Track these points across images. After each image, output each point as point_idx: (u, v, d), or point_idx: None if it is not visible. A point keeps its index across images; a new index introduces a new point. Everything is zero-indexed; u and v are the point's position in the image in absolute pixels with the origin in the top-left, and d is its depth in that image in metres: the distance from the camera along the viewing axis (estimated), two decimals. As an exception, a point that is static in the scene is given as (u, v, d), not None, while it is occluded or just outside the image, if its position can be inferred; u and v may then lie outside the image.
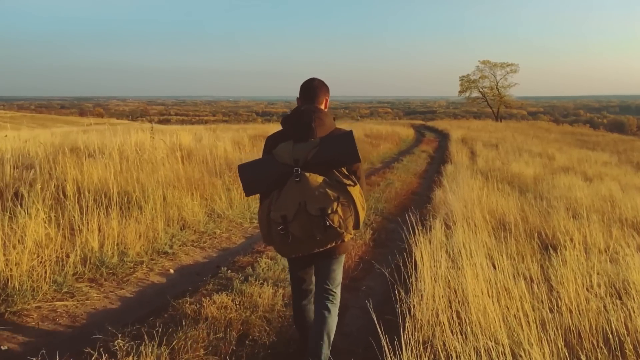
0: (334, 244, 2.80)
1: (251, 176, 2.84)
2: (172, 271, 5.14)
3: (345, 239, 2.79)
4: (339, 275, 3.12)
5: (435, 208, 7.88)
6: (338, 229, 2.69)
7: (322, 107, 3.05)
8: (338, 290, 3.13)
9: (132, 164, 7.94)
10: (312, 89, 3.03)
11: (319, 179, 2.70)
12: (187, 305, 3.96)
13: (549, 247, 6.23)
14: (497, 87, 63.25)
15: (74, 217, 5.22)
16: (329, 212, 2.66)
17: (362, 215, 2.76)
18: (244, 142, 14.20)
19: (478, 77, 63.85)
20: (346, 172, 2.82)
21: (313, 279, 3.16)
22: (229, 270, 4.85)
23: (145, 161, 8.46)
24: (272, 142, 2.96)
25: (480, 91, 64.56)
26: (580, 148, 27.02)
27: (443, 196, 8.12)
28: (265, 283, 4.44)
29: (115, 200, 6.13)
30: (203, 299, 4.03)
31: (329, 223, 2.66)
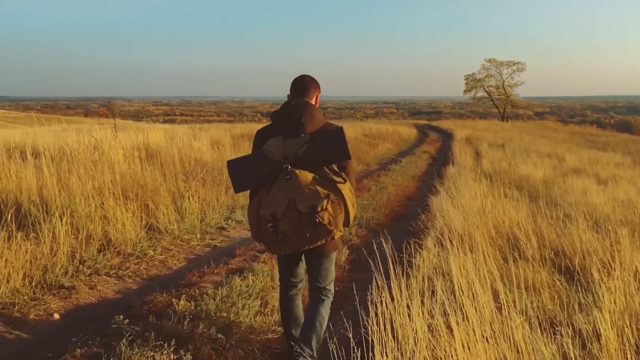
0: (323, 241, 2.77)
1: (240, 172, 2.81)
2: (57, 316, 3.75)
3: (336, 237, 2.77)
4: (330, 272, 3.13)
5: (430, 220, 6.52)
6: (328, 226, 2.66)
7: (312, 102, 3.00)
8: (331, 287, 3.17)
9: (73, 166, 6.62)
10: (303, 83, 3.02)
11: (309, 176, 2.67)
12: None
13: (570, 270, 4.91)
14: (503, 86, 61.70)
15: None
16: (319, 209, 2.63)
17: (352, 213, 2.74)
18: (223, 142, 12.86)
19: (484, 76, 62.35)
20: (336, 169, 2.79)
21: (301, 273, 3.17)
22: (127, 320, 3.44)
23: (93, 163, 7.13)
24: (260, 136, 2.94)
25: (486, 90, 63.03)
26: (590, 148, 25.86)
27: (440, 206, 6.77)
28: (167, 345, 3.05)
29: (22, 212, 4.84)
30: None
31: (319, 220, 2.63)
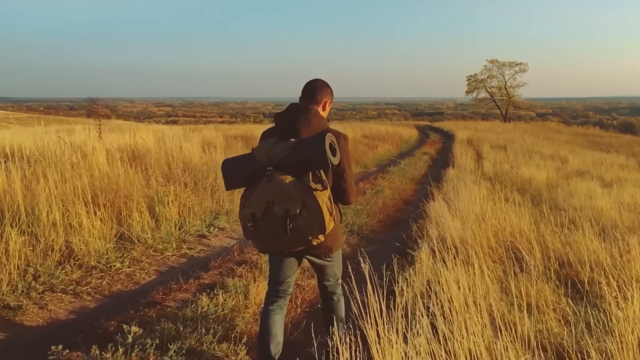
0: (303, 248, 2.75)
1: (231, 171, 2.85)
2: (-7, 343, 3.35)
3: (314, 243, 2.70)
4: (336, 270, 3.08)
5: (425, 229, 6.08)
6: (302, 232, 2.63)
7: (320, 108, 2.97)
8: (339, 282, 3.14)
9: (48, 169, 6.18)
10: (313, 88, 2.97)
11: (288, 180, 2.64)
12: None
13: (577, 286, 4.46)
14: (505, 87, 61.22)
15: None
16: (292, 214, 2.61)
17: (328, 220, 2.65)
18: (215, 144, 12.41)
19: (486, 77, 61.81)
20: (321, 176, 2.68)
21: (290, 283, 3.05)
22: (67, 350, 3.00)
23: (72, 166, 6.69)
24: (263, 138, 2.93)
25: (488, 91, 62.53)
26: (593, 150, 25.37)
27: (436, 212, 6.33)
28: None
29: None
30: None
31: (292, 225, 2.62)
